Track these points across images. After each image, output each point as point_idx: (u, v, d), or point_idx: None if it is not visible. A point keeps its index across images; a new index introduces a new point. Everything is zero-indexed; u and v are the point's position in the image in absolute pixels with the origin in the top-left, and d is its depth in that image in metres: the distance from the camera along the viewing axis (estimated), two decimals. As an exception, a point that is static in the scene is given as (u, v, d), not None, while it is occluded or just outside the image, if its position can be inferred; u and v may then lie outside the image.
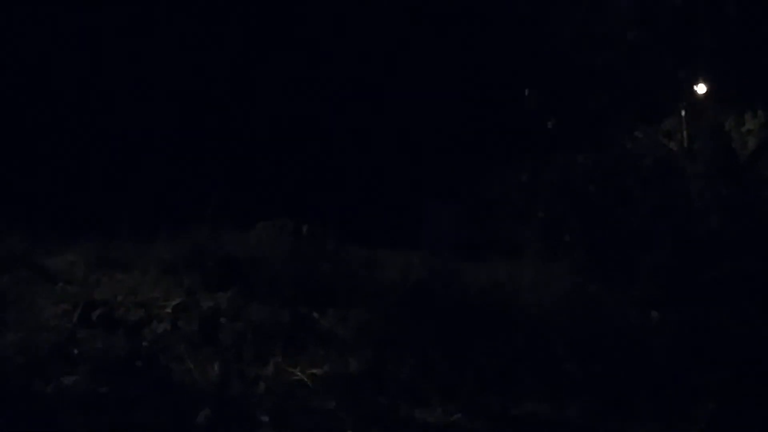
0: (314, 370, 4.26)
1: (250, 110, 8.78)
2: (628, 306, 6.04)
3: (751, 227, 7.32)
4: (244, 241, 6.60)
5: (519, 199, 7.64)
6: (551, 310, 5.67)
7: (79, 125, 8.26)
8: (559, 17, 8.11)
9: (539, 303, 5.85)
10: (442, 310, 5.49)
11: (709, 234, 7.38)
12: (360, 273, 6.34)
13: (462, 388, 4.23)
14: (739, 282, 6.34)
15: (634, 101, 8.19)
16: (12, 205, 6.37)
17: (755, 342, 5.13)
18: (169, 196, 7.74)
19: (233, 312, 4.92)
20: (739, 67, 8.14)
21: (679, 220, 7.52)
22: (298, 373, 4.21)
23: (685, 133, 8.23)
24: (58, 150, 8.05)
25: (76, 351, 4.14)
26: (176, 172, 8.31)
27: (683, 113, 8.23)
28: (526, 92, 7.81)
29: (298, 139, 8.72)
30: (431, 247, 7.32)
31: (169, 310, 4.80)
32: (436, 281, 6.09)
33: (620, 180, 7.56)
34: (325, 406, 3.85)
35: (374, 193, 8.28)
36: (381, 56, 8.52)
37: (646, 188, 7.60)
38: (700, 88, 8.27)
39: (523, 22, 8.32)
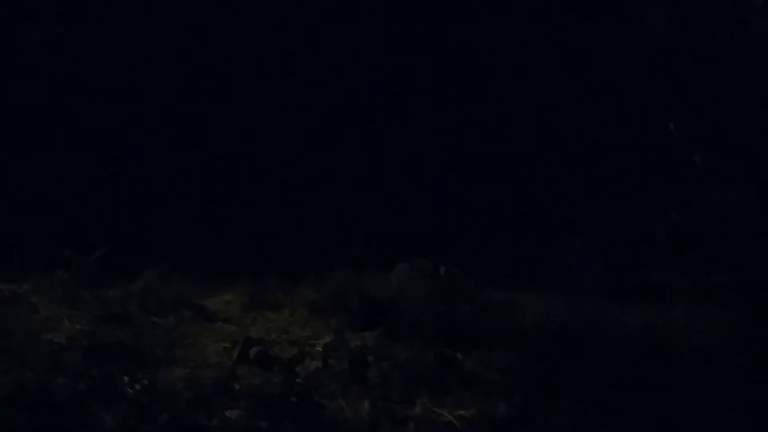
0: (462, 412, 4.27)
1: (382, 154, 9.01)
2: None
3: None
4: (385, 283, 6.75)
5: (667, 237, 7.29)
6: (709, 355, 5.36)
7: (230, 172, 8.83)
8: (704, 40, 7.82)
9: (693, 348, 5.54)
10: (589, 354, 5.33)
11: None
12: (501, 314, 6.29)
13: (618, 434, 4.07)
14: None
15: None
16: (173, 250, 6.90)
17: None
18: (312, 239, 8.08)
19: (379, 351, 5.03)
20: None
21: None
22: (447, 415, 4.23)
23: None
24: (211, 200, 8.65)
25: (237, 387, 4.39)
26: (317, 215, 8.66)
27: None
28: (671, 126, 7.51)
29: (434, 179, 8.84)
30: (574, 289, 7.11)
31: (319, 348, 4.99)
32: (580, 324, 5.92)
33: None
34: (475, 449, 3.83)
35: (512, 234, 8.19)
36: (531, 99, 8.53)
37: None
38: None
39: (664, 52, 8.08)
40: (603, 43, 8.48)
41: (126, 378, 4.33)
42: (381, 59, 8.95)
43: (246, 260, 7.30)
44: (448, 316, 6.03)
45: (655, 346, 5.57)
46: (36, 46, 8.20)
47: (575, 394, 4.64)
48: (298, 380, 4.55)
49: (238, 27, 8.78)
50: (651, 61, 8.22)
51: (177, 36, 8.68)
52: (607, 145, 8.24)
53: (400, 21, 8.87)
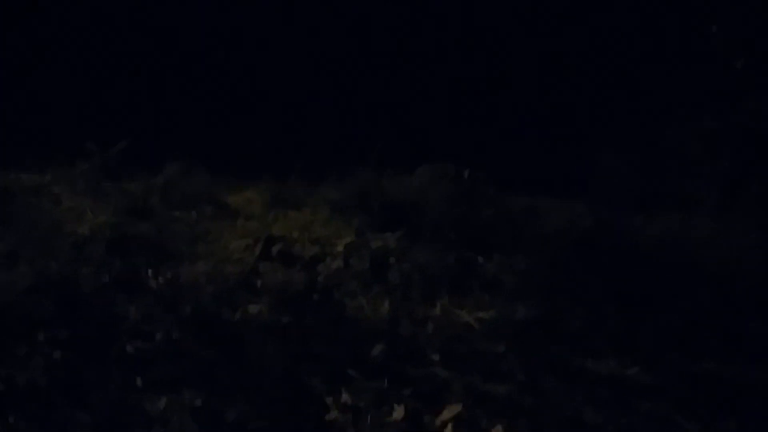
0: (481, 314, 4.27)
1: (413, 59, 8.75)
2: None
3: None
4: (406, 185, 6.68)
5: (700, 146, 7.06)
6: (735, 267, 5.27)
7: (254, 74, 8.67)
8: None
9: (721, 258, 5.46)
10: (611, 261, 5.28)
11: None
12: (523, 220, 6.22)
13: (638, 341, 4.06)
14: None
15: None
16: (195, 145, 6.85)
17: None
18: (335, 139, 7.97)
19: (400, 253, 5.02)
20: None
21: None
22: (465, 316, 4.24)
23: None
24: (234, 98, 8.53)
25: (259, 283, 4.42)
26: (340, 117, 8.52)
27: None
28: (713, 29, 7.10)
29: (461, 83, 8.60)
30: (598, 197, 6.98)
31: (340, 248, 4.98)
32: (603, 231, 5.84)
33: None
34: (494, 350, 3.85)
35: (538, 140, 8.01)
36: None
37: None
38: None
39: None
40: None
41: (149, 270, 4.39)
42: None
43: (268, 159, 7.25)
44: (470, 219, 5.97)
45: (678, 256, 5.49)
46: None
47: (594, 301, 4.61)
48: (319, 278, 4.57)
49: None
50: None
51: None
52: (643, 49, 7.88)
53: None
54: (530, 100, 8.37)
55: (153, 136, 7.08)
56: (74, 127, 6.84)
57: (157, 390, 3.21)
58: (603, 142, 7.42)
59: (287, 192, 6.49)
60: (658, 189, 7.19)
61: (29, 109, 7.48)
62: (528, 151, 7.83)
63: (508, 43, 8.43)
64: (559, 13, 8.25)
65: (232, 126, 8.13)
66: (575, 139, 7.77)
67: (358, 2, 8.77)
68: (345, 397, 3.19)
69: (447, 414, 2.94)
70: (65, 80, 8.02)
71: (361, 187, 6.49)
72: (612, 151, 7.35)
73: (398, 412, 3.04)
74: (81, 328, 3.67)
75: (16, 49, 7.98)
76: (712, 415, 3.34)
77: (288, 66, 8.72)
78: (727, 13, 7.48)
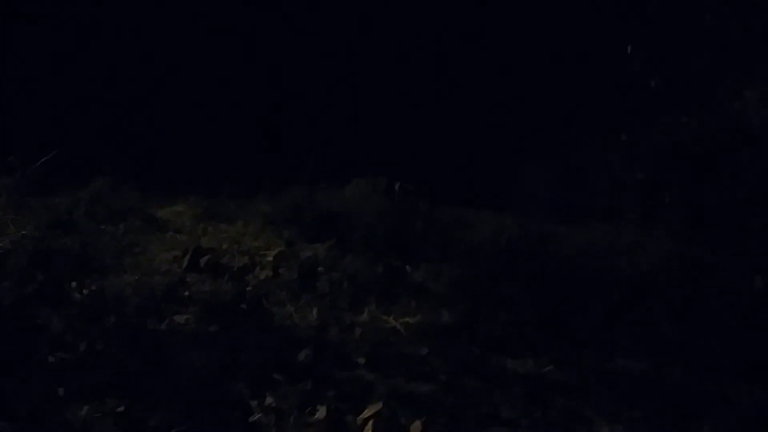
0: (407, 319, 4.39)
1: (343, 70, 8.90)
2: (730, 271, 5.82)
3: None
4: (339, 197, 6.78)
5: (618, 161, 7.41)
6: (649, 272, 5.55)
7: (184, 85, 8.64)
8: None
9: (637, 265, 5.73)
10: (534, 269, 5.48)
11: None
12: (451, 231, 6.40)
13: (554, 342, 4.25)
14: None
15: (744, 59, 7.71)
16: (125, 160, 6.78)
17: None
18: (268, 155, 8.02)
19: (330, 262, 5.10)
20: None
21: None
22: (392, 321, 4.35)
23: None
24: (165, 110, 8.47)
25: (186, 293, 4.42)
26: (274, 132, 8.58)
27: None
28: (629, 49, 7.49)
29: (390, 97, 8.79)
30: (524, 209, 7.24)
31: (270, 258, 5.03)
32: (528, 241, 6.06)
33: (727, 142, 7.19)
34: (418, 352, 3.97)
35: (466, 153, 8.25)
36: (478, 12, 8.42)
37: (754, 151, 7.19)
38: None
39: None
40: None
41: (73, 283, 4.33)
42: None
43: (200, 173, 7.24)
44: (400, 230, 6.11)
45: (600, 266, 5.74)
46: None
47: (518, 307, 4.79)
48: (248, 288, 4.60)
49: None
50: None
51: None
52: (564, 67, 8.24)
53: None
54: (460, 115, 8.63)
55: (80, 150, 6.97)
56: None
57: (79, 399, 3.18)
58: (528, 155, 7.72)
59: (219, 206, 6.50)
60: (581, 201, 7.52)
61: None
62: (457, 165, 8.06)
63: (438, 58, 8.68)
64: (487, 29, 8.55)
65: (163, 141, 8.07)
66: (502, 153, 8.04)
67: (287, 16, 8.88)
68: (269, 399, 3.24)
69: (368, 412, 3.03)
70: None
71: (293, 200, 6.56)
72: (536, 164, 7.65)
73: (321, 413, 3.11)
74: (1, 339, 3.60)
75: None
76: (621, 408, 3.52)
77: (219, 79, 8.74)
78: (642, 34, 7.91)
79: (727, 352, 4.28)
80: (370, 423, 2.94)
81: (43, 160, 5.83)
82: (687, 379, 3.91)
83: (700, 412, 3.56)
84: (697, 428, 3.42)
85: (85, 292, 4.24)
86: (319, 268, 4.97)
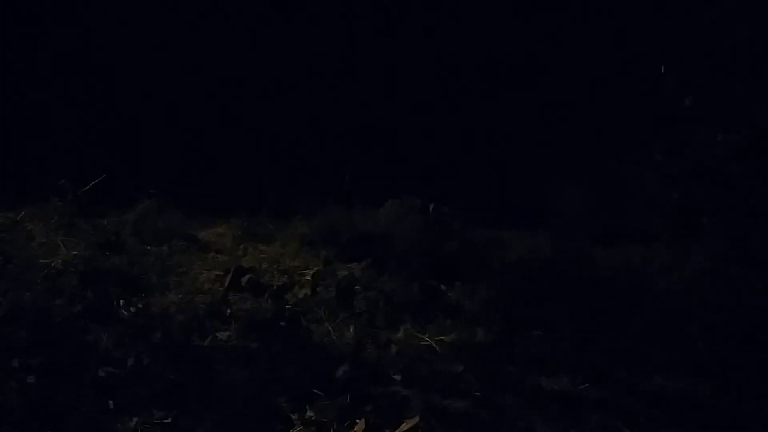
0: (443, 337, 4.46)
1: (379, 93, 9.07)
2: (766, 292, 5.77)
3: None
4: (375, 218, 6.90)
5: (654, 181, 7.41)
6: (686, 292, 5.53)
7: (227, 111, 8.91)
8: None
9: (674, 285, 5.72)
10: (570, 289, 5.51)
11: None
12: (486, 250, 6.46)
13: (590, 361, 4.28)
14: None
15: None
16: (171, 183, 7.01)
17: None
18: (306, 177, 8.19)
19: (366, 281, 5.21)
20: None
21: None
22: (427, 339, 4.43)
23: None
24: (204, 133, 8.74)
25: (228, 311, 4.57)
26: (311, 153, 8.76)
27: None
28: (662, 69, 7.53)
29: (424, 118, 8.92)
30: (558, 229, 7.27)
31: (308, 277, 5.16)
32: (563, 261, 6.09)
33: (761, 161, 7.14)
34: (453, 370, 4.04)
35: (503, 174, 8.31)
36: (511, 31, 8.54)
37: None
38: None
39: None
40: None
41: (121, 301, 4.51)
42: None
43: (239, 196, 7.44)
44: (435, 250, 6.20)
45: (635, 285, 5.73)
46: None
47: (552, 326, 4.82)
48: (287, 306, 4.73)
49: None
50: (646, 3, 8.19)
51: None
52: (598, 87, 8.29)
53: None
54: (494, 135, 8.71)
55: (126, 174, 7.24)
56: (48, 165, 6.98)
57: (129, 411, 3.33)
58: (562, 175, 7.75)
59: (257, 227, 6.67)
60: (616, 221, 7.51)
61: (2, 148, 7.60)
62: (492, 185, 8.13)
63: (472, 78, 8.79)
64: (511, 50, 8.64)
65: (203, 164, 8.32)
66: (536, 174, 8.09)
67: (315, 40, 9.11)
68: (309, 413, 3.34)
69: (405, 426, 3.11)
70: (38, 118, 8.18)
71: (330, 220, 6.70)
72: (571, 184, 7.68)
73: (360, 426, 3.20)
74: (54, 354, 3.78)
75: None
76: (656, 426, 3.54)
77: (257, 104, 8.97)
78: (675, 54, 7.94)
79: (763, 371, 4.25)
80: (408, 436, 3.03)
81: (92, 183, 6.10)
82: (722, 398, 3.90)
83: (734, 429, 3.56)
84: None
85: (132, 309, 4.42)
86: (356, 287, 5.08)
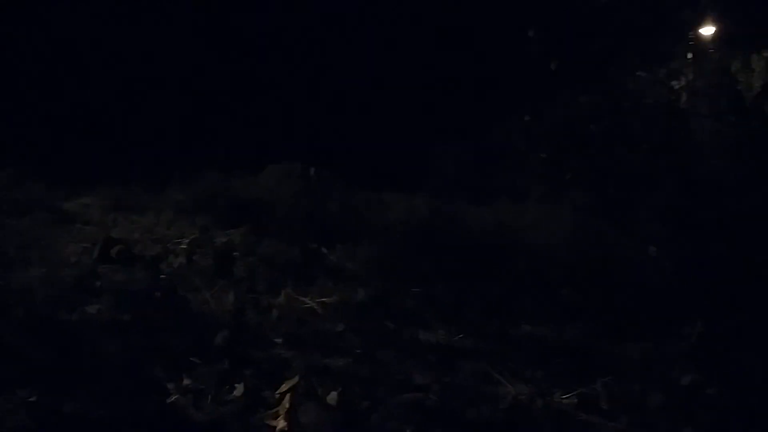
0: (324, 299, 4.49)
1: (258, 54, 8.87)
2: (628, 242, 6.23)
3: (753, 167, 7.41)
4: (254, 184, 6.80)
5: (521, 140, 7.74)
6: (552, 246, 5.87)
7: (91, 74, 8.39)
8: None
9: (541, 240, 6.04)
10: (445, 248, 5.70)
11: (711, 173, 7.48)
12: (366, 213, 6.55)
13: (463, 313, 4.46)
14: (740, 220, 6.46)
15: (638, 42, 8.19)
16: (29, 152, 6.56)
17: (753, 277, 5.29)
18: (180, 142, 7.92)
19: (245, 248, 5.14)
20: (744, 8, 8.09)
21: (682, 159, 7.61)
22: (309, 302, 4.44)
23: (689, 74, 8.23)
24: (71, 99, 8.21)
25: (98, 283, 4.36)
26: (186, 119, 8.46)
27: (688, 55, 8.22)
28: (530, 33, 7.84)
29: (303, 83, 8.83)
30: (435, 190, 7.47)
31: (184, 246, 5.02)
32: (439, 221, 6.28)
33: (622, 120, 7.64)
34: (334, 329, 4.08)
35: (379, 137, 8.40)
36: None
37: (648, 128, 7.68)
38: (706, 30, 8.23)
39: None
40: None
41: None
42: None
43: (107, 165, 7.08)
44: (316, 214, 6.21)
45: (506, 241, 6.01)
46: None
47: (429, 282, 4.98)
48: (162, 276, 4.58)
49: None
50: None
51: None
52: (467, 52, 8.52)
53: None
54: (372, 100, 8.78)
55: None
56: None
57: (-9, 390, 3.12)
58: (437, 139, 7.96)
59: (128, 196, 6.39)
60: (488, 181, 7.82)
61: None
62: (370, 150, 8.21)
63: (348, 43, 8.78)
64: (393, 14, 8.71)
65: (67, 134, 7.83)
66: (413, 137, 8.25)
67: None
68: (186, 381, 3.27)
69: (284, 387, 3.11)
70: None
71: (207, 187, 6.53)
72: (445, 147, 7.90)
73: (238, 390, 3.17)
74: None
75: None
76: (525, 369, 3.76)
77: (125, 66, 8.53)
78: (542, 19, 8.27)
79: (620, 314, 4.61)
80: (288, 397, 3.03)
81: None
82: (584, 340, 4.19)
83: (597, 369, 3.83)
84: (594, 382, 3.67)
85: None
86: (235, 254, 5.00)
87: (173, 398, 3.14)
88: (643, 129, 7.81)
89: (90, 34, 8.43)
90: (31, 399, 3.02)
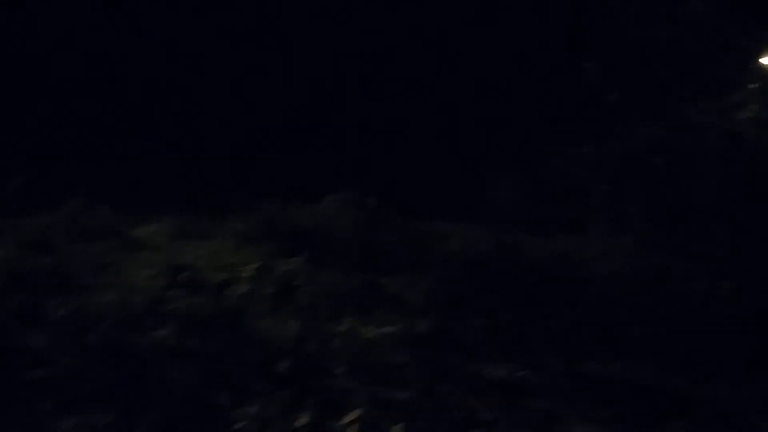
0: (385, 329, 4.49)
1: (319, 86, 9.05)
2: (695, 276, 6.04)
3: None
4: (313, 214, 6.88)
5: (582, 172, 7.64)
6: (617, 279, 5.74)
7: (159, 107, 8.69)
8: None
9: (604, 273, 5.92)
10: (505, 280, 5.64)
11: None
12: (423, 243, 6.54)
13: (527, 348, 4.39)
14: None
15: (700, 73, 8.03)
16: (100, 181, 6.81)
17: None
18: (242, 173, 8.09)
19: (306, 276, 5.19)
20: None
21: (747, 192, 7.38)
22: (370, 332, 4.45)
23: (752, 105, 8.02)
24: (139, 131, 8.52)
25: (166, 309, 4.46)
26: (247, 150, 8.66)
27: (751, 85, 8.02)
28: (588, 66, 7.77)
29: (363, 113, 8.95)
30: (494, 221, 7.41)
31: (248, 273, 5.10)
32: (500, 252, 6.22)
33: (685, 152, 7.47)
34: (396, 361, 4.07)
35: (438, 168, 8.42)
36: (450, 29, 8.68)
37: (711, 160, 7.48)
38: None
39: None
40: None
41: (52, 301, 4.35)
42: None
43: (171, 194, 7.28)
44: (374, 244, 6.23)
45: (568, 273, 5.91)
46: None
47: (491, 315, 4.93)
48: (226, 303, 4.66)
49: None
50: (571, 6, 8.42)
51: None
52: (527, 83, 8.50)
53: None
54: (430, 130, 8.82)
55: (53, 173, 6.98)
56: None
57: (65, 413, 3.22)
58: (495, 170, 7.92)
59: (192, 224, 6.55)
60: (548, 212, 7.73)
61: None
62: (428, 179, 8.23)
63: (406, 74, 8.87)
64: (454, 46, 8.78)
65: (134, 160, 8.11)
66: (471, 168, 8.24)
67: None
68: (252, 409, 3.31)
69: (348, 418, 3.12)
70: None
71: (267, 216, 6.64)
72: (504, 178, 7.86)
73: (303, 419, 3.19)
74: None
75: None
76: (593, 408, 3.66)
77: (187, 101, 8.80)
78: (602, 52, 8.20)
79: (693, 353, 4.46)
80: (353, 427, 3.03)
81: (15, 183, 5.85)
82: (654, 380, 4.07)
83: (668, 411, 3.71)
84: (665, 426, 3.56)
85: (64, 310, 4.27)
86: (296, 282, 5.05)
87: (240, 424, 3.17)
88: (706, 161, 7.63)
89: (163, 71, 8.75)
90: (104, 421, 3.10)
